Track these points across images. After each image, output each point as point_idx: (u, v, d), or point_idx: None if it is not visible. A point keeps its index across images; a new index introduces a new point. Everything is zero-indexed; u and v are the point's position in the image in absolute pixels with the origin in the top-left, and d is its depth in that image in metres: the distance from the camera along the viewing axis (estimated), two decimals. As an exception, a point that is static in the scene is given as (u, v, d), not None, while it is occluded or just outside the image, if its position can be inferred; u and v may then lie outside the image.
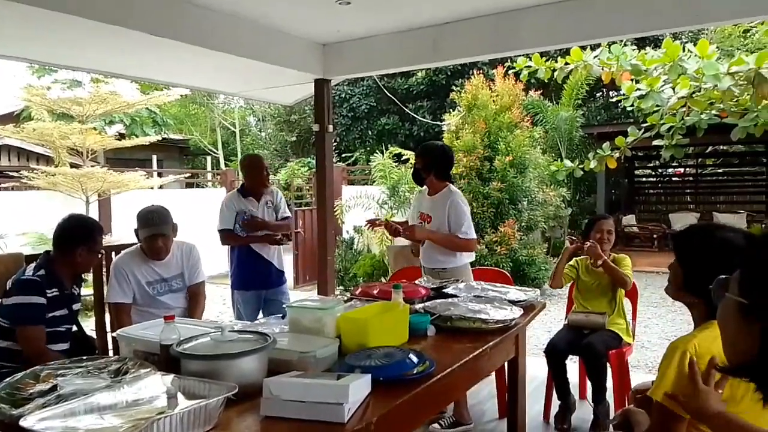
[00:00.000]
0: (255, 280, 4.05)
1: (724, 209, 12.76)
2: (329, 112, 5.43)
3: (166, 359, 1.84)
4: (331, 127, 5.45)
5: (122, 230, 7.79)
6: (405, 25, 4.74)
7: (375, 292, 2.74)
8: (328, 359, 1.92)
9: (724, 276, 0.81)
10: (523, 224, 8.41)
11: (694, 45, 6.01)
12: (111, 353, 2.87)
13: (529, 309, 2.72)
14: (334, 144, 15.76)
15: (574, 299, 3.75)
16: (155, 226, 2.99)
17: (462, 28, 4.57)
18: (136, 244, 3.12)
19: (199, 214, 9.66)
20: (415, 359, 1.86)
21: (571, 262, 3.73)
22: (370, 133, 15.16)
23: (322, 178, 5.48)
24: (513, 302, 2.68)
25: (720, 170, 14.30)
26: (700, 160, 14.34)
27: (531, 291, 2.94)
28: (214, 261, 10.26)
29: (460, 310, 2.42)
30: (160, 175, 11.66)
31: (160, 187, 10.58)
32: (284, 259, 4.25)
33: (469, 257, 3.58)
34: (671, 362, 1.42)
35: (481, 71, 10.25)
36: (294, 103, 7.27)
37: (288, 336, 2.12)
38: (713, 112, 6.42)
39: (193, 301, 3.20)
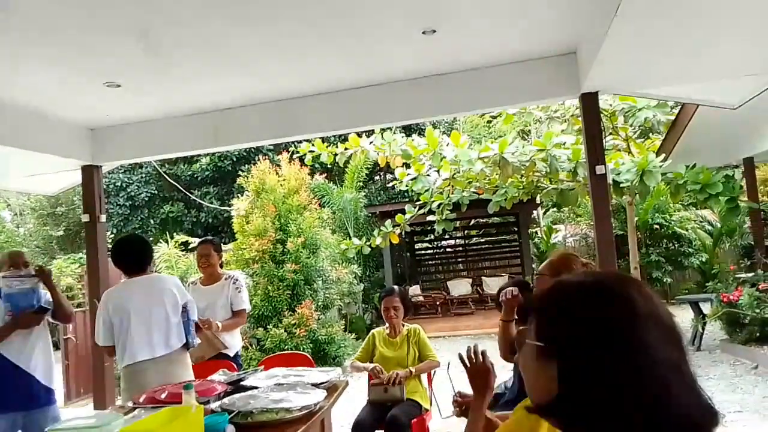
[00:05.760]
0: (9, 399, 3.20)
1: (490, 273, 14.52)
2: (101, 200, 4.95)
3: None
4: (103, 217, 4.95)
5: None
6: (183, 110, 4.64)
7: (163, 396, 2.44)
8: (105, 488, 1.61)
9: (523, 327, 0.90)
10: (319, 303, 8.47)
11: (449, 135, 6.99)
12: None
13: (333, 389, 2.67)
14: (111, 236, 14.29)
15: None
16: None
17: (244, 113, 4.63)
18: None
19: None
20: (213, 467, 1.66)
21: (368, 337, 3.84)
22: (152, 222, 14.14)
23: (94, 273, 4.88)
24: (316, 385, 2.61)
25: (483, 240, 16.38)
26: (466, 231, 16.29)
27: (332, 371, 2.91)
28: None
29: (262, 402, 2.27)
30: None
31: None
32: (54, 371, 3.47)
33: None
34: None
35: (266, 157, 10.44)
36: (58, 192, 6.48)
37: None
38: (472, 189, 7.45)
39: None
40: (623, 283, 0.83)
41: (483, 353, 1.69)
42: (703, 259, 11.78)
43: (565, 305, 0.84)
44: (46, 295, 3.40)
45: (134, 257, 3.27)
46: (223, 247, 9.82)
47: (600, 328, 0.78)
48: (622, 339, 0.77)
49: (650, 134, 8.66)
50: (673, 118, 7.05)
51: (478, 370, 1.67)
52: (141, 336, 3.12)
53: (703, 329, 7.30)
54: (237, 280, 4.10)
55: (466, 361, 1.69)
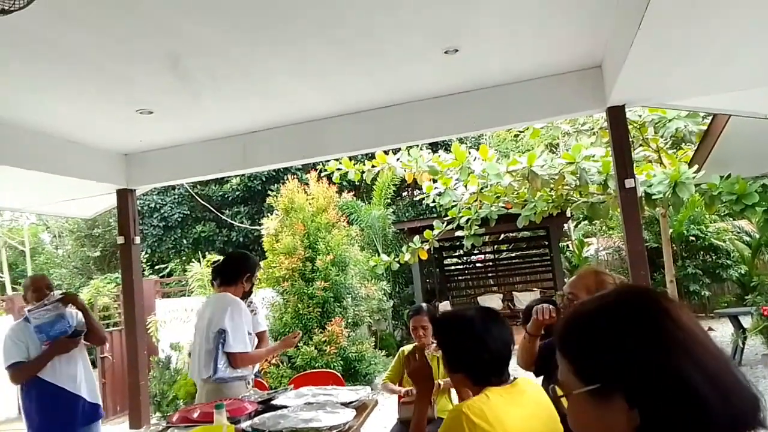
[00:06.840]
0: (60, 421, 3.31)
1: (521, 288, 14.33)
2: (135, 222, 5.09)
3: None
4: (138, 239, 5.09)
5: None
6: (212, 134, 4.75)
7: (195, 415, 2.48)
8: (140, 507, 1.65)
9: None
10: (349, 321, 8.48)
11: (477, 149, 6.97)
12: None
13: (362, 408, 2.68)
14: (146, 256, 14.61)
15: (404, 384, 3.78)
16: None
17: (271, 135, 4.72)
18: None
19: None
20: (243, 487, 1.68)
21: (397, 355, 3.83)
22: (185, 242, 14.41)
23: (129, 294, 5.00)
24: (345, 404, 2.62)
25: (513, 254, 16.18)
26: (496, 246, 16.13)
27: (362, 389, 2.92)
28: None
29: (291, 421, 2.29)
30: None
31: None
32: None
33: None
34: (456, 425, 1.53)
35: (295, 176, 10.59)
36: (94, 215, 6.69)
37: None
38: (500, 204, 7.39)
39: None
40: (643, 294, 0.85)
41: (419, 353, 2.03)
42: (742, 271, 11.41)
43: (602, 333, 0.81)
44: (77, 315, 3.47)
45: (216, 271, 3.34)
46: (254, 265, 9.97)
47: (654, 341, 0.76)
48: (673, 342, 0.76)
49: (682, 145, 8.47)
50: (704, 128, 6.90)
51: (416, 368, 1.99)
52: (191, 354, 3.24)
53: (744, 344, 7.06)
54: (252, 302, 4.12)
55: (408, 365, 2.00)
